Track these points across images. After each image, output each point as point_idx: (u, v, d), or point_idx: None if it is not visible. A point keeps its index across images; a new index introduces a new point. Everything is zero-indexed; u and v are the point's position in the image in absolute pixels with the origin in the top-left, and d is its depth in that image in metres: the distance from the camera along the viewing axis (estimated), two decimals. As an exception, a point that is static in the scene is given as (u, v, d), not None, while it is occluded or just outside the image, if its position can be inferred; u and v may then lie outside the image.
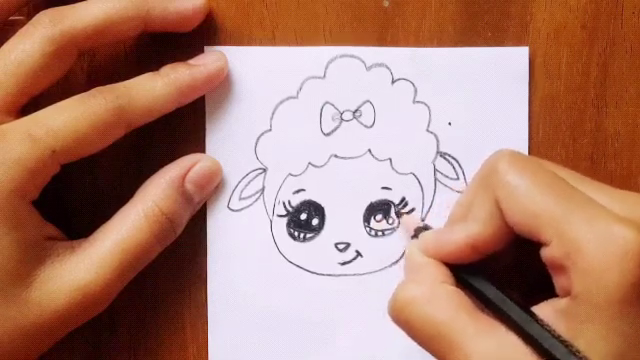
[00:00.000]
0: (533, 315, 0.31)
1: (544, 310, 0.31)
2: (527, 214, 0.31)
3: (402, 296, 0.33)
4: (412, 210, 0.40)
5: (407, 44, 0.40)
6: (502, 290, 0.33)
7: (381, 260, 0.40)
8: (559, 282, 0.31)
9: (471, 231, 0.33)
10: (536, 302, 0.32)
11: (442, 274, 0.34)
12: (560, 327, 0.30)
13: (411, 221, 0.39)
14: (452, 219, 0.37)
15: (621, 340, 0.29)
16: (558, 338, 0.30)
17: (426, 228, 0.38)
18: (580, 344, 0.29)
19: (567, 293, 0.30)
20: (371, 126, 0.40)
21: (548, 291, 0.32)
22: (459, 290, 0.33)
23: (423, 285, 0.33)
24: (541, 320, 0.31)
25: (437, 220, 0.40)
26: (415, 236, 0.37)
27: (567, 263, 0.30)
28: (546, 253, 0.31)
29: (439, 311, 0.32)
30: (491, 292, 0.33)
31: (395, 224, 0.40)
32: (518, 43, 0.40)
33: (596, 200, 0.31)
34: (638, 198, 0.32)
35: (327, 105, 0.40)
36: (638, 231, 0.29)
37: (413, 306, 0.32)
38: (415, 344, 0.40)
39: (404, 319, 0.33)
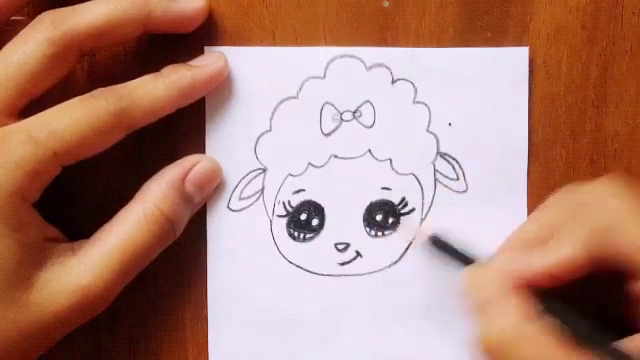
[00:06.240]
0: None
1: (630, 345, 0.31)
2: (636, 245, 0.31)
3: (499, 335, 0.33)
4: (412, 210, 0.40)
5: (407, 44, 0.40)
6: (586, 320, 0.33)
7: (381, 260, 0.40)
8: None
9: (563, 256, 0.33)
10: None
11: (528, 306, 0.34)
12: None
13: (420, 227, 0.38)
14: (527, 238, 0.37)
15: None
16: None
17: (437, 238, 0.38)
18: None
19: None
20: (371, 126, 0.40)
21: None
22: (550, 325, 0.33)
23: (517, 321, 0.33)
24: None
25: (437, 220, 0.40)
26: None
27: None
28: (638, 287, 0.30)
29: (543, 350, 0.32)
30: (581, 324, 0.33)
31: (395, 224, 0.40)
32: (518, 43, 0.40)
33: None
34: None
35: (327, 105, 0.40)
36: None
37: (513, 346, 0.33)
38: (413, 344, 0.40)
39: (504, 357, 0.33)
